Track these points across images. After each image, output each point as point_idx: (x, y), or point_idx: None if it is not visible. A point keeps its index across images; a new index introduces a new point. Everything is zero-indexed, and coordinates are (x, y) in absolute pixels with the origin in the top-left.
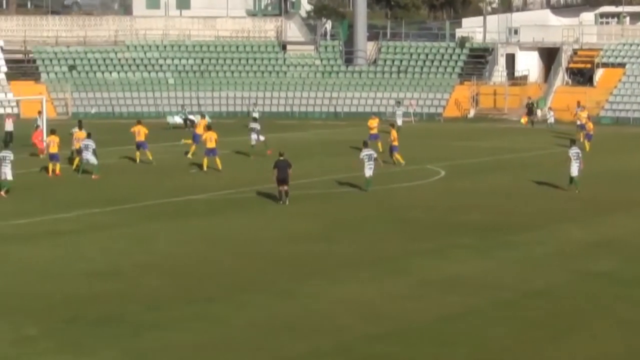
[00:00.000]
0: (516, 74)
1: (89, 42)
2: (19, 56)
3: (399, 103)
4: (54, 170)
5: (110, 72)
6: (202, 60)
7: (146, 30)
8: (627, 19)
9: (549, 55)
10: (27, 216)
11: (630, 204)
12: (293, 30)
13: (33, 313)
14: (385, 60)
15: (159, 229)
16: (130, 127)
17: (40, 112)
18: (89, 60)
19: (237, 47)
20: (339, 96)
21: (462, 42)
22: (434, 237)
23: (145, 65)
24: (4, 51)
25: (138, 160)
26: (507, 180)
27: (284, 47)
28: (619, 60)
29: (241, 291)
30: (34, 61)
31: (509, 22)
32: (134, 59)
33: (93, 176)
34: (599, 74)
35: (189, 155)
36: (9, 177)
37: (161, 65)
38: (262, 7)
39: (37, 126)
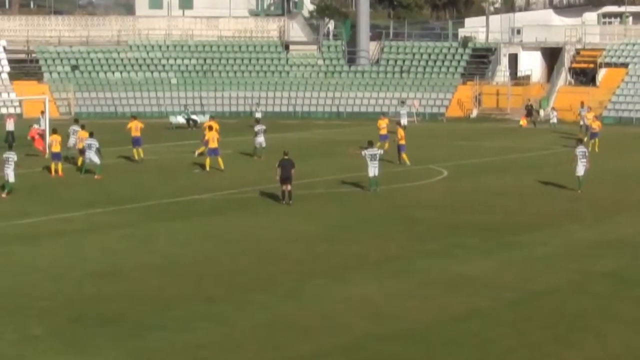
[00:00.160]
0: (519, 74)
1: (91, 42)
2: (22, 56)
3: (403, 102)
4: (56, 171)
5: (113, 72)
6: (205, 60)
7: (149, 30)
8: (630, 18)
9: (552, 55)
10: (30, 216)
11: (633, 204)
12: (296, 30)
13: (36, 313)
14: (387, 60)
15: (162, 229)
16: (124, 126)
17: (43, 112)
18: (91, 60)
19: (240, 47)
20: (342, 96)
21: (465, 42)
22: (438, 237)
23: (148, 65)
24: (7, 51)
25: (137, 158)
26: (510, 180)
27: (286, 47)
28: (621, 60)
29: (244, 291)
30: (37, 61)
31: (512, 22)
32: (137, 59)
33: (96, 176)
34: (601, 74)
35: (197, 154)
36: (11, 179)
37: (164, 65)
38: (265, 7)
39: (31, 125)
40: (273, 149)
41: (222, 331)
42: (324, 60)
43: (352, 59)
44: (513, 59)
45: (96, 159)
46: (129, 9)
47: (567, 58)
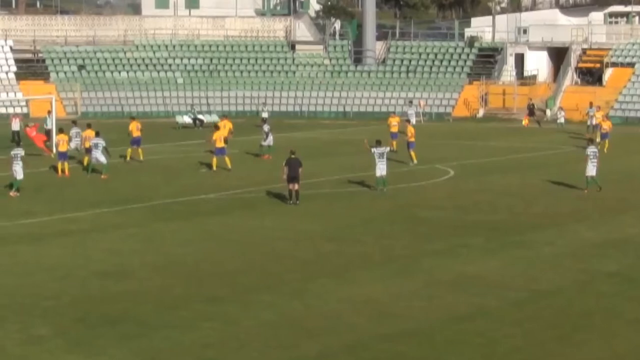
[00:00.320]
0: (525, 74)
1: (98, 41)
2: (29, 56)
3: (411, 103)
4: (62, 170)
5: (120, 72)
6: (211, 59)
7: (155, 30)
8: (637, 18)
9: (558, 55)
10: (36, 216)
11: None
12: (302, 30)
13: (42, 313)
14: (394, 60)
15: (167, 229)
16: (127, 127)
17: (49, 112)
18: (98, 59)
19: (246, 46)
20: (348, 96)
21: (471, 41)
22: (443, 237)
23: (155, 65)
24: (14, 51)
25: (142, 158)
26: (516, 179)
27: (292, 47)
28: (628, 59)
29: (249, 291)
30: (44, 61)
31: (518, 21)
32: (143, 59)
33: (102, 176)
34: (608, 73)
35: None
36: (20, 175)
37: (170, 65)
38: (271, 6)
39: (26, 124)
40: (279, 148)
41: (228, 331)
42: (330, 60)
43: (358, 59)
44: (519, 59)
45: (102, 159)
46: (136, 9)
47: (573, 58)
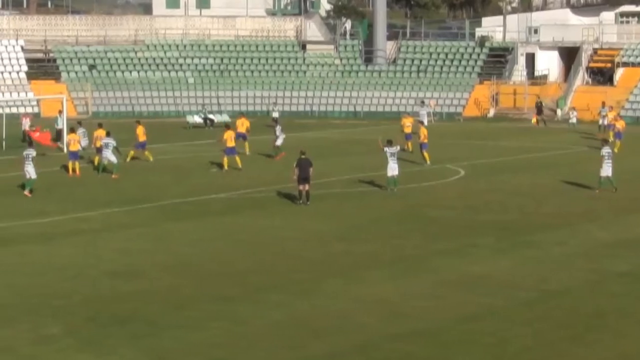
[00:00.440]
0: (536, 74)
1: (109, 41)
2: (40, 55)
3: (423, 103)
4: (73, 170)
5: (130, 72)
6: (222, 59)
7: (166, 29)
8: None
9: (569, 55)
10: (46, 216)
11: None
12: (313, 30)
13: (52, 312)
14: (404, 60)
15: (177, 229)
16: (135, 129)
17: (60, 112)
18: (109, 59)
19: (257, 46)
20: (359, 96)
21: (482, 41)
22: (454, 237)
23: (165, 65)
24: (25, 50)
25: (152, 159)
26: (527, 179)
27: (303, 47)
28: (639, 59)
29: (259, 290)
30: (54, 60)
31: (529, 21)
32: (154, 59)
33: (113, 175)
34: (619, 73)
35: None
36: (33, 175)
37: (181, 65)
38: (282, 6)
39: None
40: (290, 148)
41: (237, 330)
42: (340, 59)
43: (369, 59)
44: (530, 59)
45: (113, 158)
46: (147, 9)
47: (584, 57)
